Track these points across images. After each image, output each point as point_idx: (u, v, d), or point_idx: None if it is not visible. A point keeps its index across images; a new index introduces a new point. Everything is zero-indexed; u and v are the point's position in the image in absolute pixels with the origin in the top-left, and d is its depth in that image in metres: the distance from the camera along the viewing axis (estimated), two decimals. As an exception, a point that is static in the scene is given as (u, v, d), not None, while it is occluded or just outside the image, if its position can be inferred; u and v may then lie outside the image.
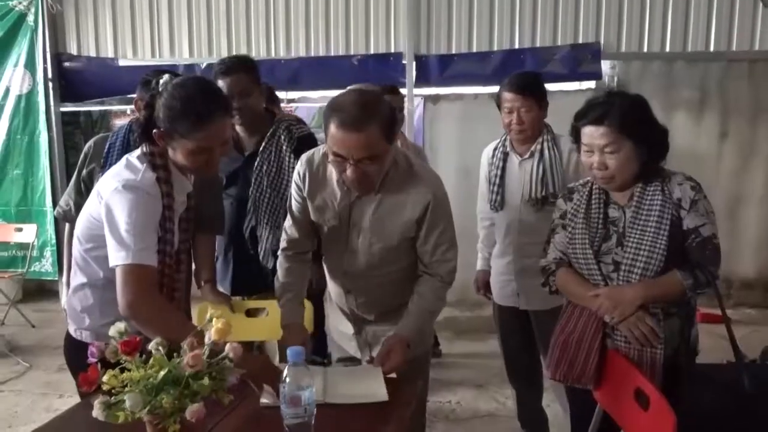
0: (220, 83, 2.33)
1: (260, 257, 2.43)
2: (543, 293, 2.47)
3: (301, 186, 1.86)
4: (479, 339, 3.85)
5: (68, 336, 1.79)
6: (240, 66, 2.36)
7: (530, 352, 2.61)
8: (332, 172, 1.78)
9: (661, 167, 1.79)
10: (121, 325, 1.29)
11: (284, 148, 2.38)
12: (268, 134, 2.41)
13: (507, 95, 2.40)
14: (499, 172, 2.50)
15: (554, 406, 2.69)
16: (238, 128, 2.47)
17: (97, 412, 1.18)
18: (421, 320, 1.84)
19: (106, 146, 2.33)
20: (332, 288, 2.01)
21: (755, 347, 3.69)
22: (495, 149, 2.56)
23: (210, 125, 1.59)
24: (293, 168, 2.30)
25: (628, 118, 1.71)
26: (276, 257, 2.36)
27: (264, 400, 1.50)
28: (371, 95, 1.73)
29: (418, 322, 1.82)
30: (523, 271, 2.48)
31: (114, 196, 1.58)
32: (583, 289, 1.81)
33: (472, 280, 2.75)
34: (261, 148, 2.40)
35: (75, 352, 1.69)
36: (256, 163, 2.40)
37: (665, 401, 1.45)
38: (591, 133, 1.75)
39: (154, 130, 1.61)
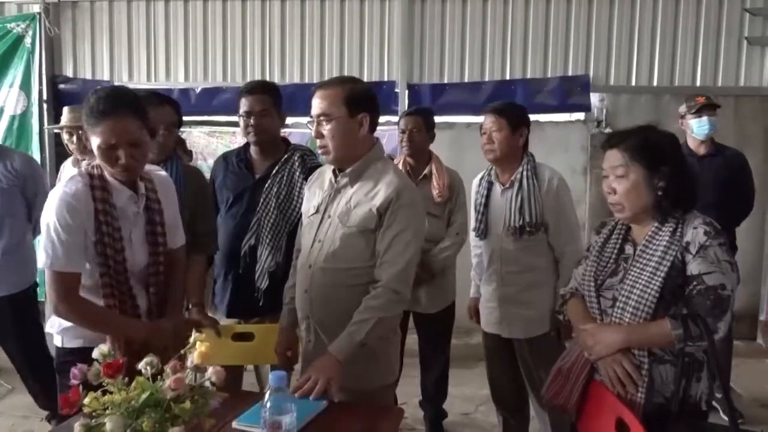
0: (243, 101, 2.47)
1: (255, 276, 2.44)
2: (524, 322, 2.50)
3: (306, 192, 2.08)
4: (466, 367, 3.84)
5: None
6: (263, 87, 2.53)
7: (515, 380, 2.61)
8: (327, 172, 1.97)
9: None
10: (104, 348, 1.29)
11: (297, 174, 2.45)
12: (283, 159, 2.49)
13: (483, 118, 2.50)
14: (483, 201, 2.55)
15: (541, 436, 2.68)
16: (252, 150, 2.55)
17: (77, 435, 1.18)
18: (349, 331, 1.74)
19: None
20: (295, 294, 2.00)
21: (743, 379, 3.72)
22: (481, 179, 2.62)
23: (108, 120, 1.66)
24: (304, 195, 2.40)
25: (647, 145, 1.68)
26: (270, 279, 2.39)
27: (237, 426, 1.50)
28: (353, 78, 2.02)
29: (345, 334, 1.75)
30: (505, 299, 2.50)
31: (46, 204, 1.71)
32: (580, 322, 1.81)
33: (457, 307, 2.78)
34: (274, 171, 2.47)
35: (57, 359, 1.84)
36: (266, 185, 2.46)
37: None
38: (607, 156, 1.74)
39: (80, 131, 1.69)
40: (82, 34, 5.14)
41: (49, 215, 1.68)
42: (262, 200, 2.45)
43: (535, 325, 2.47)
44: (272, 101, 2.48)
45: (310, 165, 2.48)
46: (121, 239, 1.74)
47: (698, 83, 4.66)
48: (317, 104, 1.84)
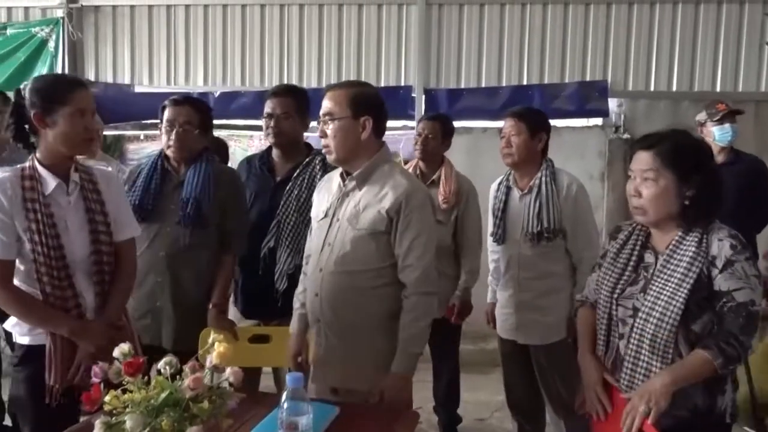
0: (267, 103, 2.52)
1: (275, 278, 2.46)
2: (541, 328, 2.49)
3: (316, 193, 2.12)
4: (482, 372, 3.83)
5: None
6: (287, 91, 2.58)
7: (531, 385, 2.60)
8: (336, 177, 2.00)
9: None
10: (125, 347, 1.31)
11: (318, 177, 2.46)
12: (304, 162, 2.51)
13: (503, 122, 2.50)
14: (501, 206, 2.54)
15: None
16: (274, 153, 2.59)
17: (97, 433, 1.20)
18: (401, 349, 1.84)
19: (137, 170, 2.41)
20: (306, 299, 2.03)
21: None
22: (500, 183, 2.62)
23: (82, 88, 1.83)
24: None
25: (681, 152, 1.63)
26: (289, 281, 2.41)
27: None
28: (363, 82, 2.11)
29: (400, 353, 1.84)
30: (522, 305, 2.50)
31: None
32: (583, 344, 1.82)
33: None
34: (295, 174, 2.49)
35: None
36: (287, 188, 2.48)
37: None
38: (637, 158, 1.69)
39: (32, 112, 1.76)
40: (104, 39, 5.21)
41: None
42: (282, 203, 2.47)
43: (552, 331, 2.46)
44: (296, 105, 2.51)
45: (330, 169, 2.50)
46: (54, 225, 1.78)
47: (718, 88, 4.61)
48: (324, 104, 1.90)
